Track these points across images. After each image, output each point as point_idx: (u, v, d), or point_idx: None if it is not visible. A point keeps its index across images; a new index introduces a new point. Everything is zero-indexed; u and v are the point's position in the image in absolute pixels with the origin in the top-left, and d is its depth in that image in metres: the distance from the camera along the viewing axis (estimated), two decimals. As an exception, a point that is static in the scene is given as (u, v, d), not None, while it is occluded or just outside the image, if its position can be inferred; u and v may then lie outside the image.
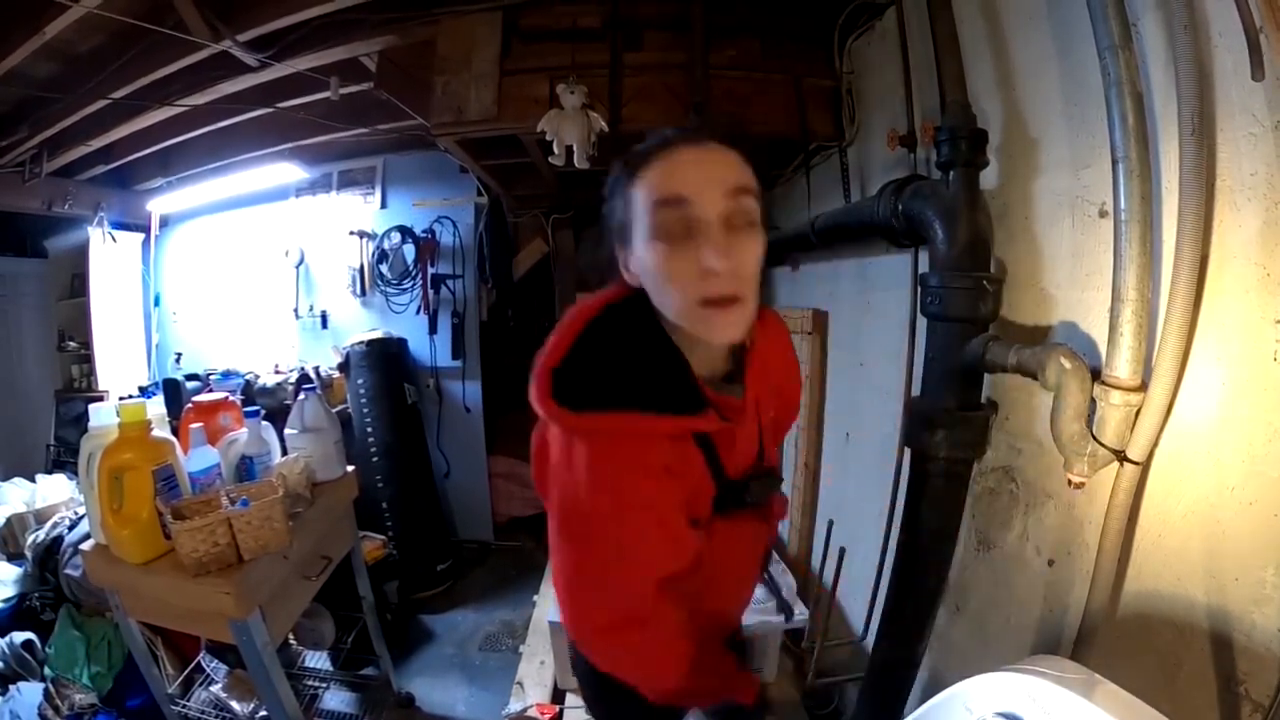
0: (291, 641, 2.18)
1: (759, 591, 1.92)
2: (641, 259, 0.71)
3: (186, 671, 1.90)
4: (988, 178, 1.23)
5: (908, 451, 1.40)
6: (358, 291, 3.32)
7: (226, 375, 3.00)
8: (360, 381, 3.03)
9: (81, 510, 2.21)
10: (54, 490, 2.53)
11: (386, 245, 3.24)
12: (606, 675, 0.87)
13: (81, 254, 3.27)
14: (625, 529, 0.72)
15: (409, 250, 3.24)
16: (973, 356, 1.12)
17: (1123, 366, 0.87)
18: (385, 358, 3.08)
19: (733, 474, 0.83)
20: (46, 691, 1.83)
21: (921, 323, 1.37)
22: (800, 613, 1.91)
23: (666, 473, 0.73)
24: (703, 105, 1.85)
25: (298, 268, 3.40)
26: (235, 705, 1.86)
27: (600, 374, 0.72)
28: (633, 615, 0.75)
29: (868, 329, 1.92)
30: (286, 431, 1.74)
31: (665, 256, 0.67)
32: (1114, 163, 0.87)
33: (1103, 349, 0.92)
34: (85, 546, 1.49)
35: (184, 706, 1.79)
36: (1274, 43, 0.69)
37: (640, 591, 0.75)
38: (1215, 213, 0.79)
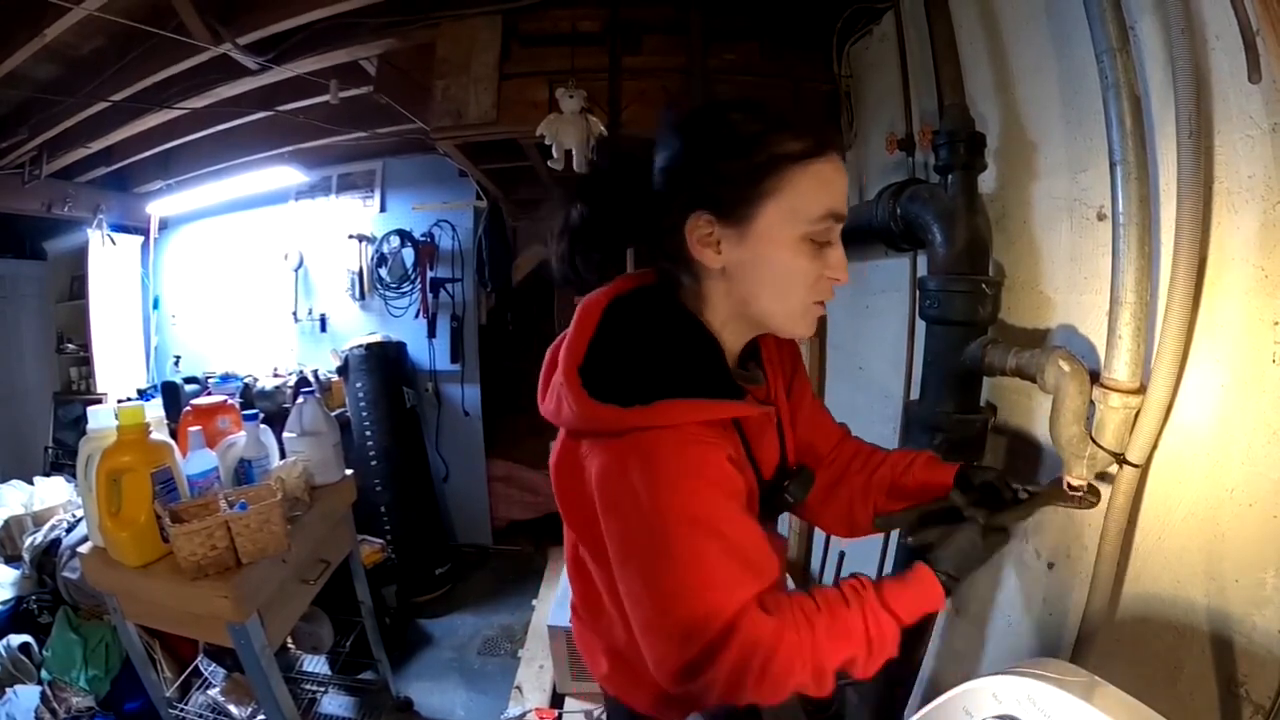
0: (290, 645, 2.17)
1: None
2: (771, 253, 0.69)
3: (184, 675, 1.89)
4: (986, 181, 1.24)
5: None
6: (357, 295, 3.32)
7: (225, 378, 2.99)
8: (359, 385, 3.03)
9: (79, 513, 2.21)
10: (52, 493, 2.52)
11: (386, 249, 3.25)
12: None
13: (81, 256, 3.27)
14: (705, 536, 0.62)
15: (408, 254, 3.25)
16: (972, 360, 1.12)
17: (1121, 369, 0.87)
18: (384, 361, 3.08)
19: (766, 475, 0.81)
20: (43, 694, 1.82)
21: (920, 326, 1.37)
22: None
23: (734, 463, 0.67)
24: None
25: (297, 271, 3.40)
26: (233, 709, 1.85)
27: (635, 366, 0.68)
28: (721, 630, 0.61)
29: (866, 332, 1.92)
30: (285, 435, 1.73)
31: (811, 258, 0.69)
32: (1112, 166, 0.87)
33: (1101, 352, 0.92)
34: (83, 549, 1.50)
35: (182, 710, 1.78)
36: (1270, 45, 0.69)
37: (740, 604, 0.61)
38: (1213, 215, 0.79)
